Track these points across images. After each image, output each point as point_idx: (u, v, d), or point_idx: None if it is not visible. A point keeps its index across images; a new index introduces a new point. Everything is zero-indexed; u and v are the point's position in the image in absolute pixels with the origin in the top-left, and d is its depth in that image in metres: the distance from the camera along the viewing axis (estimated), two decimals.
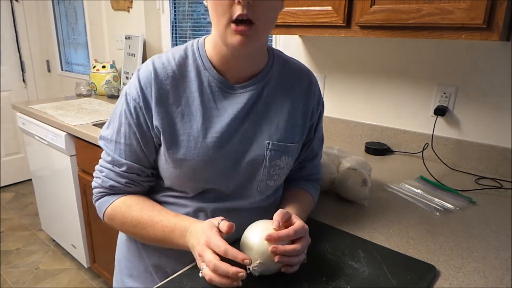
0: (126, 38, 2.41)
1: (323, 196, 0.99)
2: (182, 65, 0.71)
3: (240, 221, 0.69)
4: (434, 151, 1.34)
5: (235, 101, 0.72)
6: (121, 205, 0.74)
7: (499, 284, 0.69)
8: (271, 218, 0.65)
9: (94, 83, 2.45)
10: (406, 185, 1.11)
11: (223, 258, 0.58)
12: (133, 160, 0.73)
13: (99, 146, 0.77)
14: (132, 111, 0.70)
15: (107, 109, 2.10)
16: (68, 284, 2.10)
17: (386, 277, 0.68)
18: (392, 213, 0.96)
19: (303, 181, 0.89)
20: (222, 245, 0.58)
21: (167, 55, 0.72)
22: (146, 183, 0.77)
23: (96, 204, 0.79)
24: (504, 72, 1.19)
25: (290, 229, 0.63)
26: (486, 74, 1.22)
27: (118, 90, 2.42)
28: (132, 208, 0.73)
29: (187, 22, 2.28)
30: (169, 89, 0.70)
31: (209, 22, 2.13)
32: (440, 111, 1.31)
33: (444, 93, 1.31)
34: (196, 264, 0.69)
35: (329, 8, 1.14)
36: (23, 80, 3.27)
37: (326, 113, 1.60)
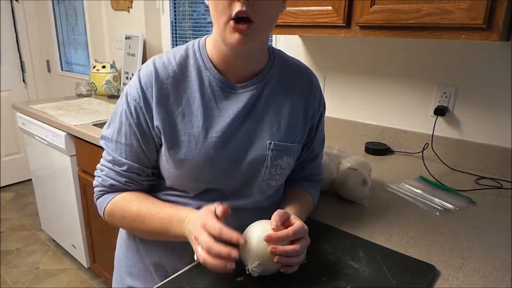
0: (126, 38, 2.41)
1: (323, 196, 0.99)
2: (183, 65, 0.71)
3: (241, 220, 0.69)
4: (434, 151, 1.34)
5: (236, 100, 0.72)
6: (121, 201, 0.75)
7: (499, 284, 0.69)
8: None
9: (94, 83, 2.45)
10: (406, 185, 1.11)
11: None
12: (134, 159, 0.73)
13: (99, 146, 0.78)
14: (133, 111, 0.70)
15: (107, 109, 2.10)
16: (68, 284, 2.10)
17: (386, 277, 0.68)
18: (392, 213, 0.96)
19: (303, 181, 0.89)
20: (218, 226, 0.58)
21: (168, 55, 0.72)
22: (146, 182, 0.77)
23: (97, 203, 0.79)
24: (504, 72, 1.19)
25: (290, 230, 0.63)
26: (486, 74, 1.22)
27: (118, 90, 2.42)
28: (131, 203, 0.74)
29: (187, 22, 2.28)
30: (170, 89, 0.70)
31: (209, 22, 2.13)
32: (440, 111, 1.31)
33: (444, 93, 1.31)
34: (196, 264, 0.70)
35: (329, 8, 1.14)
36: (23, 80, 3.27)
37: (326, 113, 1.59)
